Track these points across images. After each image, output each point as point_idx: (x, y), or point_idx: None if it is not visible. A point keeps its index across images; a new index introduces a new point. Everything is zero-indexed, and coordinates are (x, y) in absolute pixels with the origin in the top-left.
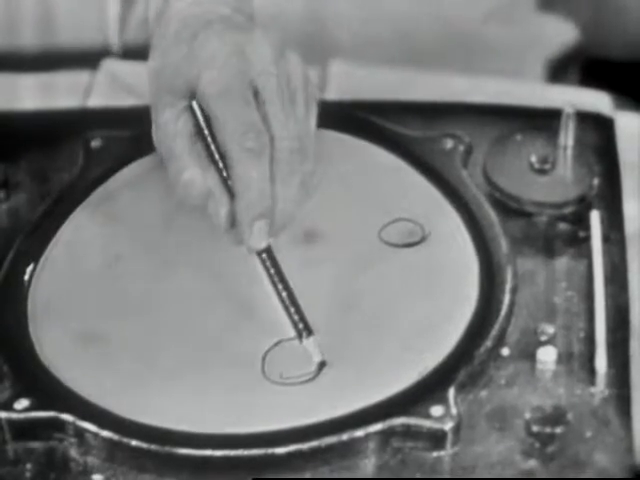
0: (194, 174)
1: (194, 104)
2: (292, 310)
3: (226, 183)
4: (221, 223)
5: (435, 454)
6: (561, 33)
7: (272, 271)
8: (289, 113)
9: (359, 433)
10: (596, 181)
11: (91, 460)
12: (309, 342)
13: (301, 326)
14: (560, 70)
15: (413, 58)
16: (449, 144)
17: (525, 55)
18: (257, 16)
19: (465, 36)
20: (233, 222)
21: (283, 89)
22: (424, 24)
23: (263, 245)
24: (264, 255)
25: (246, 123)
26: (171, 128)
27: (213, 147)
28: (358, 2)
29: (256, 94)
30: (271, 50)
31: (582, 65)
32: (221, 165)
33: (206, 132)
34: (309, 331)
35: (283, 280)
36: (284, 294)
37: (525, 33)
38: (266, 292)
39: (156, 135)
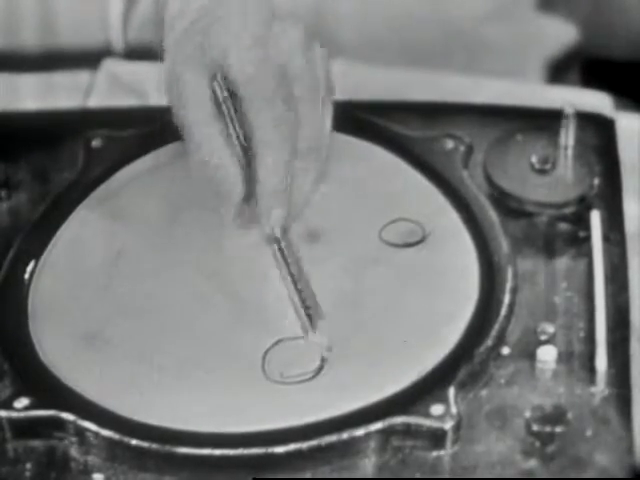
0: (216, 145)
1: (218, 78)
2: (304, 300)
3: (247, 165)
4: (234, 203)
5: (435, 453)
6: (561, 33)
7: (287, 260)
8: (314, 108)
9: (359, 432)
10: (596, 181)
11: (91, 459)
12: (316, 336)
13: (311, 317)
14: (560, 70)
15: (414, 58)
16: (449, 144)
17: (525, 55)
18: None
19: (465, 36)
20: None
21: (310, 83)
22: (424, 24)
23: (279, 232)
24: (279, 243)
25: (278, 109)
26: (194, 94)
27: (237, 126)
28: (359, 2)
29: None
30: (301, 36)
31: (582, 65)
32: (243, 142)
33: (231, 108)
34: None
35: (298, 269)
36: (298, 285)
37: (525, 33)
38: (266, 291)
39: (177, 102)
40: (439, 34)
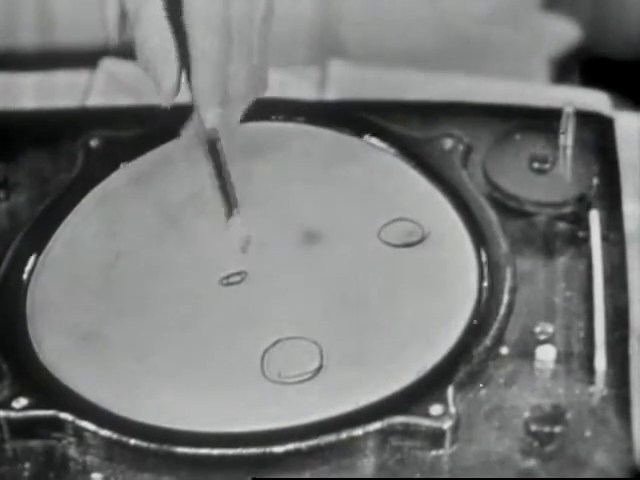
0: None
1: None
2: (224, 191)
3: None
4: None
5: (434, 453)
6: (565, 32)
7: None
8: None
9: (358, 432)
10: (595, 181)
11: (90, 459)
12: (234, 220)
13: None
14: (564, 70)
15: (416, 60)
16: (449, 144)
17: (529, 55)
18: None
19: (468, 38)
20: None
21: None
22: (427, 26)
23: (216, 120)
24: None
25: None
26: None
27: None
28: (362, 4)
29: None
30: None
31: (582, 64)
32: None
33: None
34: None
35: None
36: (221, 179)
37: (529, 34)
38: (266, 291)
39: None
40: (442, 36)
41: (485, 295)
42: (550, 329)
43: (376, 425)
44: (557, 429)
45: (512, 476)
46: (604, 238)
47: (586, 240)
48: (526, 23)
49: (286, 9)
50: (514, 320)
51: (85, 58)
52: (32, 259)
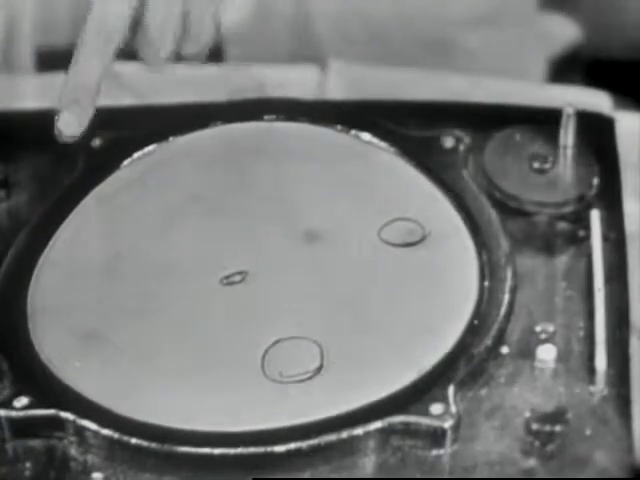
0: None
1: None
2: None
3: None
4: None
5: (434, 452)
6: (565, 32)
7: None
8: None
9: (358, 431)
10: (596, 180)
11: (91, 458)
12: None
13: None
14: (564, 70)
15: (404, 62)
16: (449, 143)
17: (527, 56)
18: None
19: (459, 41)
20: None
21: None
22: (416, 25)
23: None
24: None
25: None
26: None
27: None
28: (346, 2)
29: None
30: None
31: (584, 65)
32: None
33: None
34: None
35: None
36: None
37: (527, 33)
38: (266, 290)
39: None
40: (432, 36)
41: (486, 295)
42: (551, 328)
43: (377, 424)
44: (558, 428)
45: (513, 475)
46: (604, 238)
47: (586, 239)
48: (525, 23)
49: (265, 6)
50: (515, 319)
51: None
52: (33, 259)
